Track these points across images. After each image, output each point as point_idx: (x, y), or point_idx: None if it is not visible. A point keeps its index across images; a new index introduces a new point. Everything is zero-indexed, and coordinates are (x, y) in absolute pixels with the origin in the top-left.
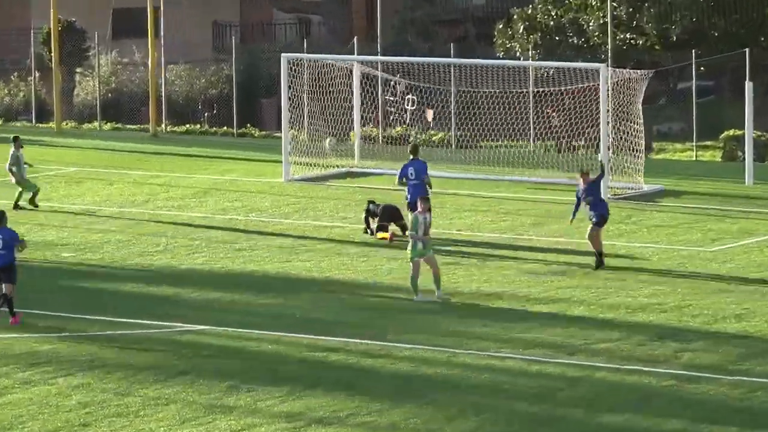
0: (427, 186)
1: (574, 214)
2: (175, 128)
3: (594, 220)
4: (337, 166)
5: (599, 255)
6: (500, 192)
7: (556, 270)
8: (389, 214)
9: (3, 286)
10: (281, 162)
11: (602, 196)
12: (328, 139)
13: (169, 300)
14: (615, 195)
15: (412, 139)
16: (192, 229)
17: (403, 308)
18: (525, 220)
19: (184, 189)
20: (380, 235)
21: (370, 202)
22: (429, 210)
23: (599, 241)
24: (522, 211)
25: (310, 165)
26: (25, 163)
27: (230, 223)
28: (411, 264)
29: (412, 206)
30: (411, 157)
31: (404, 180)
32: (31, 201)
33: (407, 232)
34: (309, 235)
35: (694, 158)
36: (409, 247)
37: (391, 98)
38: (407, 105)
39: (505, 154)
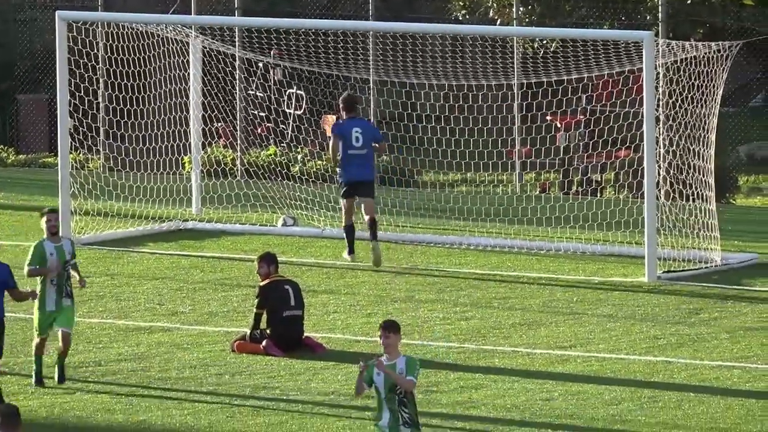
0: (378, 156)
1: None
2: None
3: None
4: (161, 218)
5: None
6: (459, 266)
7: (560, 409)
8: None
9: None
10: (57, 211)
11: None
12: (282, 218)
13: None
14: (668, 272)
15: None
16: None
17: None
18: (503, 318)
19: None
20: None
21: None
22: (394, 330)
23: None
24: (499, 302)
25: (111, 216)
26: None
27: None
28: None
29: (349, 191)
30: (346, 114)
31: (338, 150)
32: None
33: (364, 364)
34: (105, 345)
35: None
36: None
37: (261, 94)
38: (289, 107)
39: (467, 198)
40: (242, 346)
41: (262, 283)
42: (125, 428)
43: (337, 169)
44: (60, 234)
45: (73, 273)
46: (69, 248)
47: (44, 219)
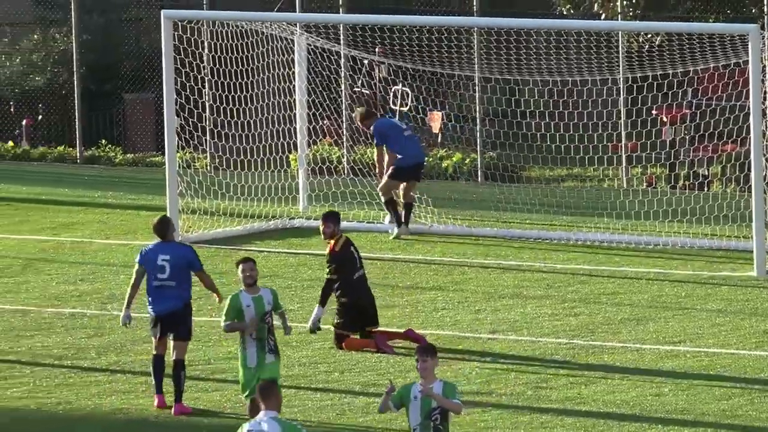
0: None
1: None
2: None
3: None
4: (267, 217)
5: None
6: (566, 261)
7: (679, 410)
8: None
9: (170, 345)
10: (164, 210)
11: None
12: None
13: None
14: None
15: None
16: (3, 335)
17: None
18: (613, 314)
19: None
20: (352, 343)
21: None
22: (431, 354)
23: None
24: (608, 297)
25: (218, 214)
26: None
27: (72, 322)
28: None
29: (406, 173)
30: (367, 120)
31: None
32: None
33: (392, 386)
34: (215, 343)
35: None
36: None
37: (366, 92)
38: (395, 103)
39: (574, 194)
40: (350, 344)
41: (336, 249)
42: (232, 427)
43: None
44: (257, 284)
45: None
46: (269, 298)
47: (239, 269)
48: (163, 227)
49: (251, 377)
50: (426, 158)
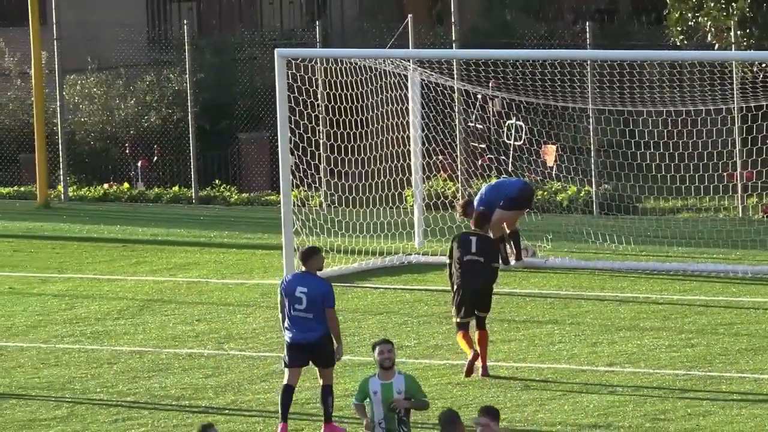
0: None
1: None
2: (84, 191)
3: None
4: (383, 253)
5: None
6: (683, 293)
7: None
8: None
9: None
10: (280, 249)
11: None
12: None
13: None
14: None
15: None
16: (121, 375)
17: None
18: (730, 344)
19: (103, 303)
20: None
21: None
22: (491, 416)
23: None
24: (725, 327)
25: (333, 252)
26: None
27: (191, 363)
28: None
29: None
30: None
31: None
32: None
33: None
34: (336, 381)
35: None
36: None
37: (480, 126)
38: (509, 137)
39: (689, 225)
40: (460, 338)
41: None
42: None
43: None
44: (394, 367)
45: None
46: (400, 387)
47: (376, 351)
48: (305, 256)
49: None
50: (534, 189)
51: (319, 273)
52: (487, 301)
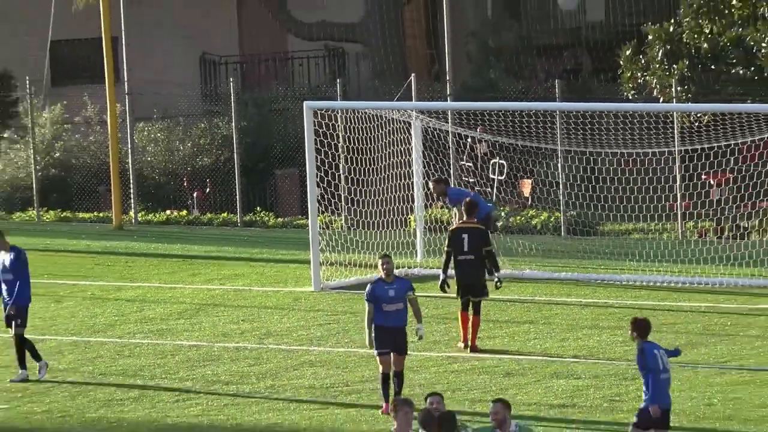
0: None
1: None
2: (150, 216)
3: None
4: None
5: None
6: (635, 298)
7: (720, 413)
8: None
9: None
10: (309, 263)
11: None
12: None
13: None
14: None
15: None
16: (181, 365)
17: None
18: (671, 340)
19: (166, 306)
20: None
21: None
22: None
23: None
24: (667, 326)
25: (351, 266)
26: None
27: (236, 354)
28: None
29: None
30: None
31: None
32: None
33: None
34: (352, 369)
35: None
36: None
37: (469, 164)
38: (493, 173)
39: (639, 244)
40: (460, 317)
41: (451, 228)
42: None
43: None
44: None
45: None
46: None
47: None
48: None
49: None
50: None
51: (342, 282)
52: (480, 290)
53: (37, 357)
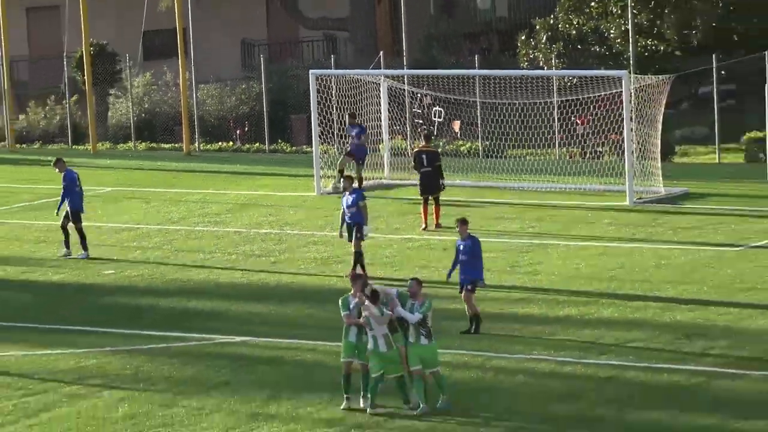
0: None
1: (449, 273)
2: (208, 146)
3: (467, 286)
4: (368, 179)
5: (473, 318)
6: (528, 199)
7: (585, 273)
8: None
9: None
10: (313, 176)
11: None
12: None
13: (208, 313)
14: (640, 199)
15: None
16: (229, 244)
17: (434, 316)
18: (552, 226)
19: (219, 205)
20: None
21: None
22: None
23: (472, 304)
24: (550, 217)
25: (337, 178)
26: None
27: (266, 237)
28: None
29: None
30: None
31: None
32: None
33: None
34: (340, 247)
35: (717, 161)
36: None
37: (419, 111)
38: (435, 117)
39: (531, 162)
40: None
41: (414, 150)
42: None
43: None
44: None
45: None
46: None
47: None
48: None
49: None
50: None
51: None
52: (436, 188)
53: (68, 245)
